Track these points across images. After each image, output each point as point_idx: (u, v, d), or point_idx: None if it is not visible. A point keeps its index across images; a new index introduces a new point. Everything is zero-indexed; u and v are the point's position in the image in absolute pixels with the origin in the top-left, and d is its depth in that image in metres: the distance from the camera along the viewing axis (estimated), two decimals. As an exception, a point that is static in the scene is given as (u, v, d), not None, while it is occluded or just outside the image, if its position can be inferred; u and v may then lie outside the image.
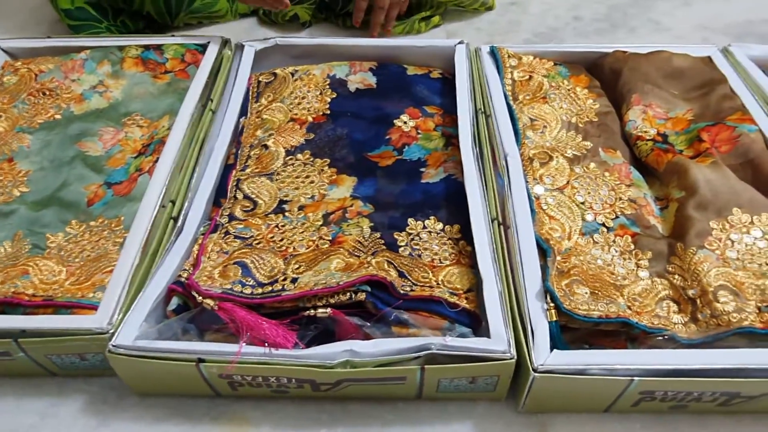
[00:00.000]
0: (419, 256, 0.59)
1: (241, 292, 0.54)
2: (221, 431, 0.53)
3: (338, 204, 0.64)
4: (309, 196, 0.66)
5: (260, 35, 0.91)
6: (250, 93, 0.78)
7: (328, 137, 0.73)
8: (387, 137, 0.73)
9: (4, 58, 0.83)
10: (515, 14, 1.03)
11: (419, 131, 0.73)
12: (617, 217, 0.63)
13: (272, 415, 0.54)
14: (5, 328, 0.52)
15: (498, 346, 0.50)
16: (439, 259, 0.59)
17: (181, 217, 0.61)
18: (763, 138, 0.67)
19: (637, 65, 0.78)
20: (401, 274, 0.56)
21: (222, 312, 0.51)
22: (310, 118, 0.75)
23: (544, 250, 0.58)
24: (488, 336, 0.51)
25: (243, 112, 0.76)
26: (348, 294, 0.53)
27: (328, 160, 0.70)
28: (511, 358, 0.49)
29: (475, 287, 0.57)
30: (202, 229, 0.62)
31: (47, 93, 0.77)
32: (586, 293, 0.55)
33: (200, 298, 0.53)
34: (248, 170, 0.68)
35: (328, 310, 0.53)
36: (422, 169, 0.69)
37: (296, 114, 0.75)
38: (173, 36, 0.86)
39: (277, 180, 0.67)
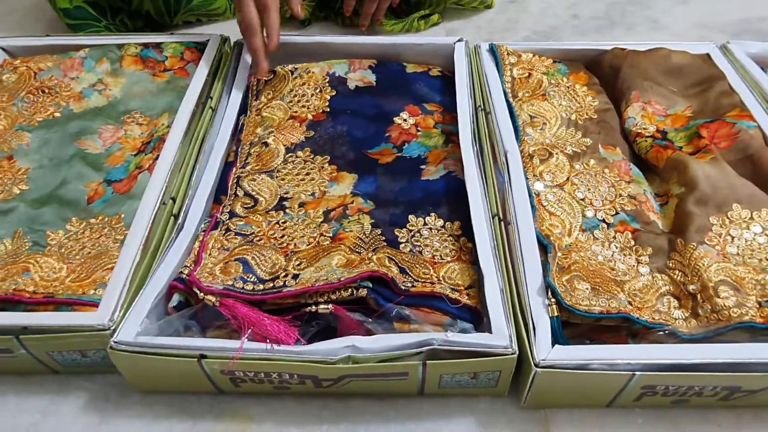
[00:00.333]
0: (420, 252, 0.59)
1: (243, 288, 0.54)
2: (224, 428, 0.53)
3: (339, 201, 0.64)
4: (309, 193, 0.66)
5: (259, 33, 0.91)
6: (250, 91, 0.78)
7: (328, 135, 0.73)
8: (387, 135, 0.73)
9: (3, 56, 0.82)
10: (514, 12, 1.04)
11: (419, 128, 0.73)
12: (617, 213, 0.63)
13: (274, 411, 0.54)
14: (6, 325, 0.52)
15: (500, 341, 0.50)
16: (440, 256, 0.59)
17: (181, 215, 0.61)
18: (762, 134, 0.68)
19: (636, 62, 0.78)
20: (402, 270, 0.56)
21: (224, 308, 0.51)
22: (309, 116, 0.75)
23: (544, 246, 0.58)
24: (489, 331, 0.51)
25: (243, 109, 0.76)
26: (349, 290, 0.53)
27: (329, 157, 0.70)
28: (512, 354, 0.49)
29: (476, 284, 0.57)
30: (202, 226, 0.62)
31: (46, 91, 0.77)
32: (587, 289, 0.55)
33: (202, 294, 0.52)
34: (248, 167, 0.68)
35: (330, 306, 0.53)
36: (422, 167, 0.69)
37: (296, 111, 0.75)
38: (172, 34, 0.86)
39: (277, 177, 0.67)
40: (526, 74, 0.79)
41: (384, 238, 0.59)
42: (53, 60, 0.80)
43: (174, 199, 0.63)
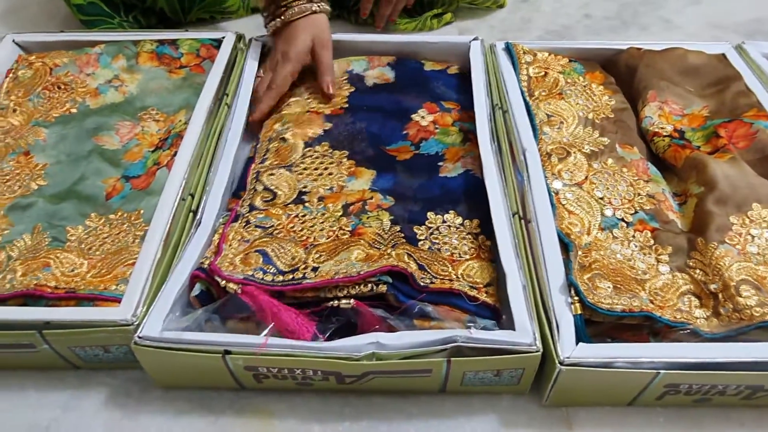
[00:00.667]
0: (438, 250, 0.59)
1: (262, 279, 0.54)
2: (246, 423, 0.53)
3: (358, 196, 0.64)
4: (328, 188, 0.66)
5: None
6: None
7: (347, 130, 0.73)
8: (404, 132, 0.73)
9: (18, 51, 0.83)
10: (527, 12, 1.04)
11: (437, 126, 0.73)
12: (636, 212, 0.63)
13: (296, 407, 0.54)
14: (29, 320, 0.52)
15: (524, 338, 0.50)
16: (459, 254, 0.59)
17: (200, 210, 0.61)
18: (780, 134, 0.68)
19: (653, 62, 0.78)
20: (421, 267, 0.56)
21: (245, 296, 0.51)
22: (327, 112, 0.75)
23: (565, 245, 0.58)
24: (511, 329, 0.51)
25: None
26: (369, 285, 0.53)
27: (347, 152, 0.70)
28: (537, 351, 0.49)
29: (495, 281, 0.57)
30: (222, 219, 0.62)
31: (62, 87, 0.77)
32: (609, 287, 0.55)
33: (223, 282, 0.53)
34: (267, 162, 0.68)
35: (352, 301, 0.53)
36: (440, 164, 0.69)
37: (314, 107, 0.75)
38: (187, 31, 0.86)
39: (296, 171, 0.67)
40: (543, 73, 0.79)
41: (403, 234, 0.59)
42: (69, 56, 0.80)
43: (193, 195, 0.63)
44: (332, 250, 0.58)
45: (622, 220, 0.62)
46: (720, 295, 0.55)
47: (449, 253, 0.59)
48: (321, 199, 0.64)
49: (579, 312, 0.52)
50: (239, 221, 0.61)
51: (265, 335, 0.49)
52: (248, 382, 0.53)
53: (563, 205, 0.62)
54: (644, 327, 0.54)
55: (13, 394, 0.56)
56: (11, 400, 0.55)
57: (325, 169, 0.68)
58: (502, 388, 0.54)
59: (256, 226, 0.61)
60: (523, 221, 0.60)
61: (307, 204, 0.64)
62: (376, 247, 0.58)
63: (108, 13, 0.92)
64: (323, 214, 0.62)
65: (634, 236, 0.61)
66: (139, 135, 0.72)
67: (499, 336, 0.50)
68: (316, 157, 0.69)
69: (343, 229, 0.60)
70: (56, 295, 0.54)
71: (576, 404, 0.54)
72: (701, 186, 0.63)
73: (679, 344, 0.51)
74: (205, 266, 0.55)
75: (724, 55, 0.80)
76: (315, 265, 0.56)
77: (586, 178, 0.66)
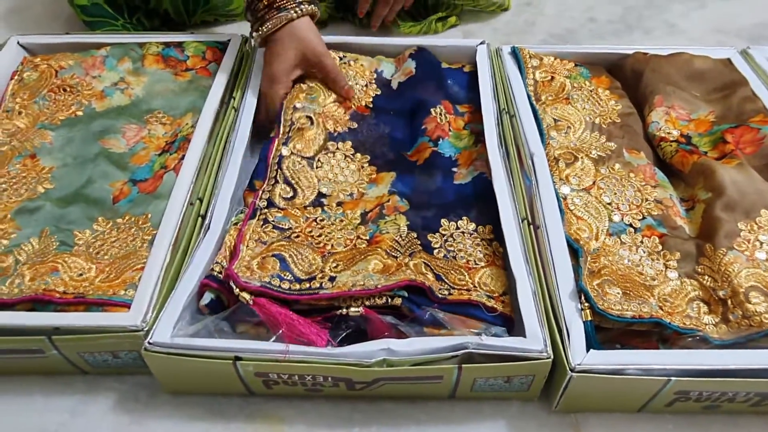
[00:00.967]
0: (454, 257, 0.59)
1: (279, 286, 0.54)
2: (256, 429, 0.53)
3: (376, 201, 0.65)
4: (348, 194, 0.66)
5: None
6: None
7: (371, 133, 0.73)
8: (423, 127, 0.73)
9: (23, 53, 0.82)
10: (531, 15, 1.04)
11: (451, 128, 0.74)
12: (644, 218, 0.63)
13: (305, 413, 0.54)
14: (39, 326, 0.51)
15: (534, 345, 0.50)
16: (474, 261, 0.59)
17: (208, 215, 0.61)
18: (787, 140, 0.68)
19: (659, 67, 0.78)
20: (438, 277, 0.56)
21: (257, 307, 0.51)
22: (353, 106, 0.75)
23: (574, 250, 0.58)
24: (522, 335, 0.51)
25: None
26: (384, 298, 0.52)
27: (369, 157, 0.70)
28: (547, 358, 0.49)
29: (509, 290, 0.57)
30: (235, 217, 0.62)
31: (68, 89, 0.77)
32: (618, 293, 0.55)
33: (237, 290, 0.52)
34: (290, 145, 0.68)
35: (361, 308, 0.53)
36: (454, 169, 0.69)
37: (340, 100, 0.76)
38: (192, 33, 0.85)
39: (317, 168, 0.67)
40: (549, 77, 0.79)
41: (419, 242, 0.60)
42: (74, 58, 0.80)
43: (201, 200, 0.62)
44: (349, 260, 0.58)
45: (630, 225, 0.62)
46: (729, 302, 0.55)
47: (465, 260, 0.59)
48: (340, 204, 0.64)
49: (589, 318, 0.52)
50: (257, 218, 0.61)
51: (285, 344, 0.49)
52: (258, 388, 0.53)
53: (571, 210, 0.62)
54: (653, 333, 0.54)
55: (21, 398, 0.55)
56: (19, 405, 0.55)
57: (347, 173, 0.68)
58: (512, 394, 0.54)
59: (274, 227, 0.61)
60: (532, 227, 0.60)
61: (325, 208, 0.64)
62: (394, 256, 0.58)
63: (111, 15, 0.92)
64: (341, 221, 0.62)
65: (642, 242, 0.61)
66: (146, 138, 0.72)
67: (509, 343, 0.50)
68: (339, 158, 0.69)
69: (361, 238, 0.60)
70: (65, 300, 0.54)
71: (585, 410, 0.54)
72: (709, 192, 0.63)
73: (690, 351, 0.51)
74: (216, 273, 0.55)
75: (729, 60, 0.80)
76: (332, 274, 0.56)
77: (594, 183, 0.66)
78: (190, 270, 0.55)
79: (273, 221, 0.61)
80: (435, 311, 0.52)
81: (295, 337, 0.50)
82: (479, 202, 0.64)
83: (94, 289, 0.55)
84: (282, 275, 0.55)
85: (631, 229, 0.62)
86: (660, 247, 0.61)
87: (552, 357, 0.50)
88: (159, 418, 0.54)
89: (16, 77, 0.78)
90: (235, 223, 0.61)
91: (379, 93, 0.78)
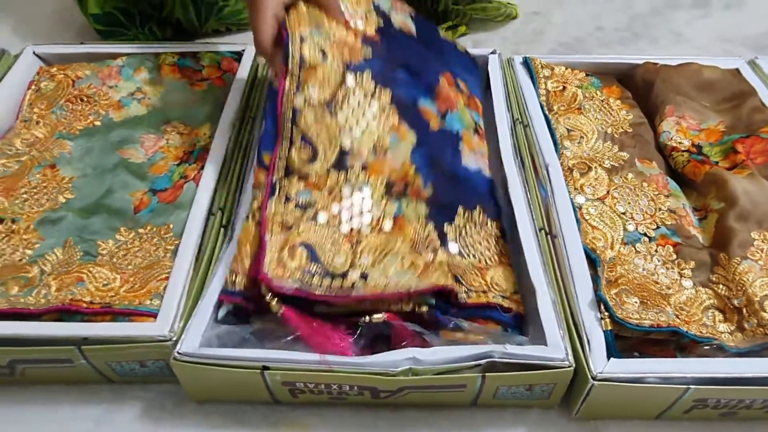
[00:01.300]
0: (468, 255, 0.60)
1: (311, 283, 0.52)
2: (281, 438, 0.54)
3: (401, 172, 0.61)
4: (371, 147, 0.60)
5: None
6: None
7: (385, 62, 0.65)
8: (434, 93, 0.69)
9: (39, 63, 0.83)
10: (539, 24, 1.05)
11: (457, 103, 0.71)
12: (658, 227, 0.64)
13: (329, 421, 0.55)
14: (68, 336, 0.52)
15: (556, 354, 0.51)
16: (486, 260, 0.60)
17: (230, 226, 0.62)
18: (796, 150, 0.69)
19: (669, 77, 0.79)
20: (457, 279, 0.57)
21: (285, 320, 0.52)
22: (366, 31, 0.66)
23: (592, 260, 0.59)
24: (541, 342, 0.52)
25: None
26: (411, 304, 0.53)
27: (390, 92, 0.64)
28: (569, 366, 0.50)
29: (517, 287, 0.58)
30: (250, 209, 0.59)
31: (85, 99, 0.78)
32: (636, 302, 0.56)
33: (269, 297, 0.51)
34: (304, 91, 0.59)
35: (383, 315, 0.53)
36: (459, 148, 0.68)
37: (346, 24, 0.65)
38: (207, 43, 0.86)
39: (336, 113, 0.59)
40: (561, 87, 0.80)
41: (437, 233, 0.60)
42: (90, 68, 0.81)
43: (222, 210, 0.63)
44: (379, 253, 0.55)
45: (645, 234, 0.63)
46: (744, 310, 0.56)
47: (477, 259, 0.60)
48: (364, 168, 0.59)
49: (609, 327, 0.53)
50: (277, 194, 0.57)
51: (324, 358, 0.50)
52: (284, 396, 0.54)
53: (587, 220, 0.63)
54: (671, 342, 0.55)
55: (47, 407, 0.56)
56: (44, 414, 0.56)
57: (368, 116, 0.61)
58: (533, 401, 0.55)
59: (296, 206, 0.57)
60: (549, 236, 0.61)
61: (349, 173, 0.59)
62: (418, 252, 0.57)
63: (124, 24, 0.93)
64: (366, 189, 0.59)
65: (656, 251, 0.62)
66: (164, 148, 0.73)
67: (532, 351, 0.51)
68: (360, 96, 0.61)
69: (386, 216, 0.58)
70: (92, 310, 0.55)
71: (604, 417, 0.55)
72: (721, 202, 0.64)
73: (708, 359, 0.52)
74: (234, 289, 0.54)
75: (738, 70, 0.81)
76: (363, 271, 0.54)
77: (608, 192, 0.67)
78: (216, 281, 0.56)
79: (294, 198, 0.57)
80: (459, 321, 0.53)
81: (327, 351, 0.50)
82: (488, 195, 0.65)
83: (120, 299, 0.56)
84: (312, 269, 0.53)
85: (646, 239, 0.63)
86: (674, 256, 0.62)
87: (573, 365, 0.51)
88: (185, 427, 0.54)
89: (33, 87, 0.79)
90: (251, 215, 0.58)
91: (382, 25, 0.69)
